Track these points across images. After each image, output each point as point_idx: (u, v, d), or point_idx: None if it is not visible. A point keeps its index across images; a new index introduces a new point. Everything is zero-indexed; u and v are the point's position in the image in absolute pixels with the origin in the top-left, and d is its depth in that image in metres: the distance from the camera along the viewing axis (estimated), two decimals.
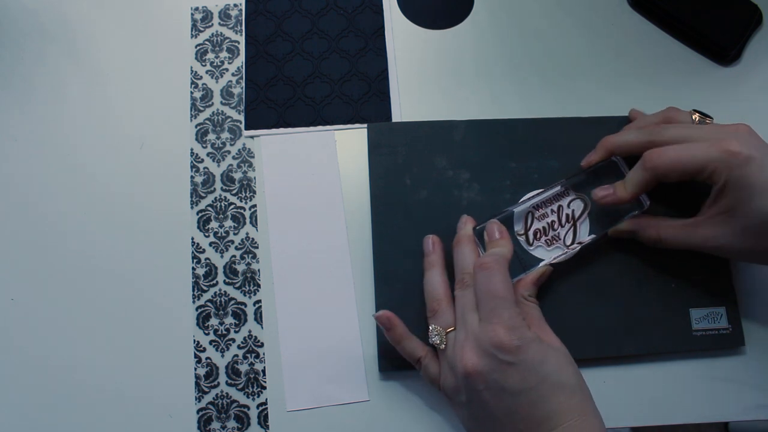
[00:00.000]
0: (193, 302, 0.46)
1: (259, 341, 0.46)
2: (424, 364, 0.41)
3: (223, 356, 0.45)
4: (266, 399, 0.44)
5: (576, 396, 0.36)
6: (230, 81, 0.52)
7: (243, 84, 0.51)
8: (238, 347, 0.46)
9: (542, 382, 0.36)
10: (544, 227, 0.45)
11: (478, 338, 0.37)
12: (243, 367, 0.45)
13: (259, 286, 0.47)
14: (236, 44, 0.53)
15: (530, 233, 0.45)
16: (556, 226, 0.45)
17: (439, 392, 0.42)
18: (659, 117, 0.45)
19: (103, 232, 0.48)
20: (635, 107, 0.49)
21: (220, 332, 0.46)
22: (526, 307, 0.41)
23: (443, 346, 0.40)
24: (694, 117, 0.43)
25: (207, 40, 0.53)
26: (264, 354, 0.45)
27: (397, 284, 0.45)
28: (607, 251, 0.46)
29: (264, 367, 0.45)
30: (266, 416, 0.44)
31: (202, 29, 0.53)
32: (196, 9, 0.54)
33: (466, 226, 0.43)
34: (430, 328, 0.41)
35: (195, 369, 0.45)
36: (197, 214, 0.48)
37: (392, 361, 0.44)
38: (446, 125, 0.49)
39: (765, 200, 0.37)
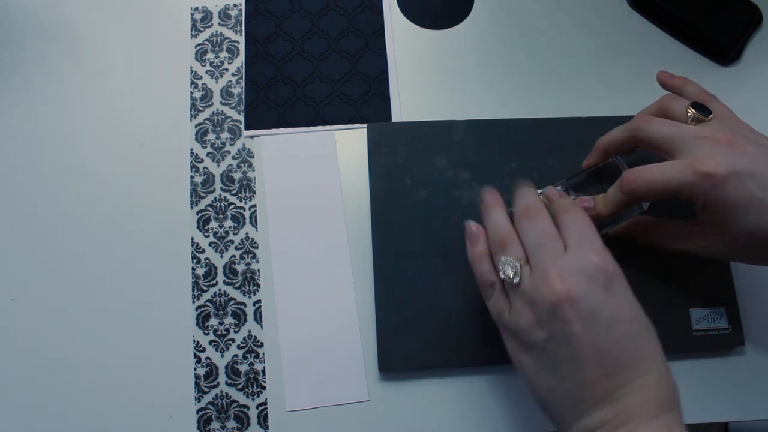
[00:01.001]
0: (193, 302, 0.46)
1: (259, 341, 0.46)
2: (494, 296, 0.38)
3: (222, 356, 0.45)
4: (266, 399, 0.44)
5: (658, 346, 0.34)
6: (230, 81, 0.52)
7: (243, 84, 0.51)
8: (238, 347, 0.46)
9: (635, 318, 0.34)
10: None
11: (568, 264, 0.34)
12: (243, 367, 0.45)
13: (259, 286, 0.47)
14: (236, 44, 0.53)
15: None
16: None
17: (499, 327, 0.38)
18: (655, 108, 0.43)
19: (102, 232, 0.48)
20: (635, 107, 0.49)
21: (219, 332, 0.46)
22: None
23: (518, 278, 0.36)
24: (688, 112, 0.40)
25: (207, 40, 0.53)
26: (264, 354, 0.45)
27: (397, 284, 0.45)
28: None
29: (264, 367, 0.45)
30: (266, 416, 0.44)
31: (202, 29, 0.53)
32: (196, 9, 0.54)
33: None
34: (502, 260, 0.37)
35: (195, 369, 0.45)
36: (197, 214, 0.48)
37: (392, 361, 0.44)
38: (446, 125, 0.49)
39: (747, 216, 0.36)
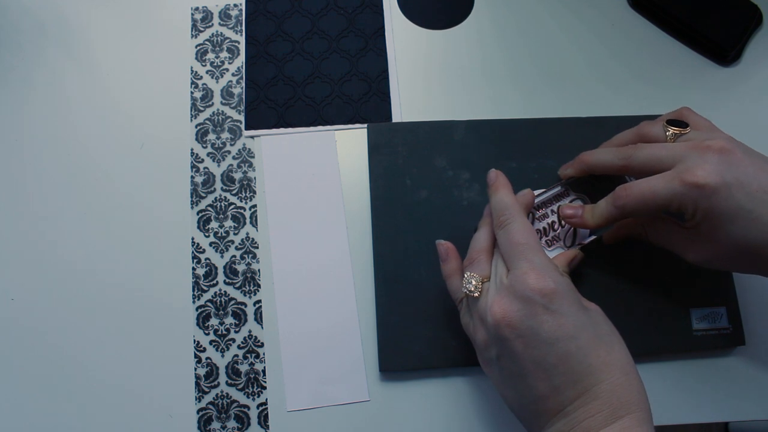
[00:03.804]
0: (193, 302, 0.46)
1: (259, 341, 0.46)
2: (461, 310, 0.40)
3: (223, 356, 0.45)
4: (266, 399, 0.44)
5: (615, 351, 0.34)
6: (230, 81, 0.52)
7: (243, 84, 0.51)
8: (238, 347, 0.46)
9: (581, 331, 0.34)
10: (544, 228, 0.45)
11: (508, 286, 0.35)
12: (243, 367, 0.45)
13: (259, 286, 0.47)
14: (236, 44, 0.53)
15: None
16: (556, 226, 0.45)
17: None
18: (633, 134, 0.43)
19: (103, 232, 0.48)
20: (635, 107, 0.49)
21: (220, 332, 0.46)
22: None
23: (476, 294, 0.37)
24: (667, 132, 0.40)
25: (207, 40, 0.53)
26: (264, 354, 0.45)
27: (398, 284, 0.45)
28: (607, 251, 0.46)
29: (264, 367, 0.45)
30: (266, 416, 0.44)
31: (202, 29, 0.53)
32: (196, 9, 0.54)
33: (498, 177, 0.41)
34: (466, 275, 0.38)
35: (195, 369, 0.45)
36: (197, 214, 0.48)
37: (392, 361, 0.44)
38: (446, 125, 0.49)
39: (735, 227, 0.36)
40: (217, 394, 0.45)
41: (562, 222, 0.45)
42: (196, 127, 0.50)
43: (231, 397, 0.45)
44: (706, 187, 0.35)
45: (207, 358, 0.45)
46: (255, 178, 0.49)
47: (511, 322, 0.34)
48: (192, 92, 0.51)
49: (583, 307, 0.35)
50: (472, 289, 0.38)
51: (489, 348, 0.36)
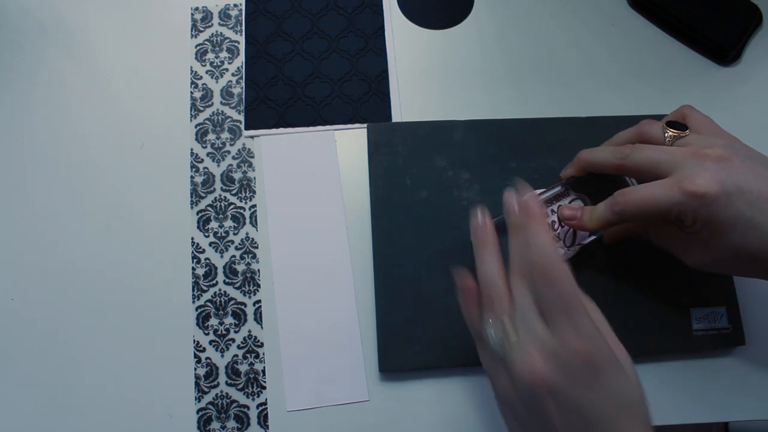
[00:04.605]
0: (193, 302, 0.46)
1: (259, 341, 0.46)
2: (480, 349, 0.37)
3: (222, 356, 0.45)
4: (266, 399, 0.44)
5: (640, 415, 0.32)
6: (230, 81, 0.52)
7: (243, 84, 0.51)
8: (238, 347, 0.46)
9: (622, 412, 0.32)
10: None
11: (552, 350, 0.32)
12: (243, 367, 0.45)
13: (259, 286, 0.47)
14: (236, 44, 0.53)
15: None
16: (556, 226, 0.45)
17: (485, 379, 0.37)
18: (633, 133, 0.43)
19: (102, 232, 0.48)
20: (635, 107, 0.49)
21: (219, 332, 0.46)
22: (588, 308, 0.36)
23: (499, 344, 0.34)
24: (666, 134, 0.40)
25: (207, 40, 0.53)
26: (264, 354, 0.45)
27: (398, 284, 0.45)
28: (607, 251, 0.46)
29: (264, 367, 0.45)
30: (266, 416, 0.44)
31: (202, 29, 0.53)
32: (196, 9, 0.54)
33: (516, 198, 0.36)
34: (488, 321, 0.35)
35: (195, 369, 0.45)
36: (197, 214, 0.48)
37: (392, 361, 0.44)
38: (446, 125, 0.49)
39: (735, 234, 0.36)
40: (216, 394, 0.45)
41: (562, 221, 0.45)
42: (195, 127, 0.50)
43: (231, 397, 0.44)
44: (706, 197, 0.35)
45: (207, 358, 0.45)
46: (255, 178, 0.49)
47: (551, 389, 0.32)
48: (192, 92, 0.51)
49: (624, 376, 0.33)
50: (498, 340, 0.34)
51: (514, 402, 0.34)
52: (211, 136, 0.50)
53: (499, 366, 0.35)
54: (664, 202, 0.36)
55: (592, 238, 0.45)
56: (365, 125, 0.50)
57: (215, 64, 0.52)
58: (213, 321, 0.46)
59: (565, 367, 0.32)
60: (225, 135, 0.50)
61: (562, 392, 0.32)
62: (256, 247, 0.48)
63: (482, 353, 0.37)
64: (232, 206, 0.49)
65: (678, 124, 0.41)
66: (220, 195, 0.49)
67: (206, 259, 0.47)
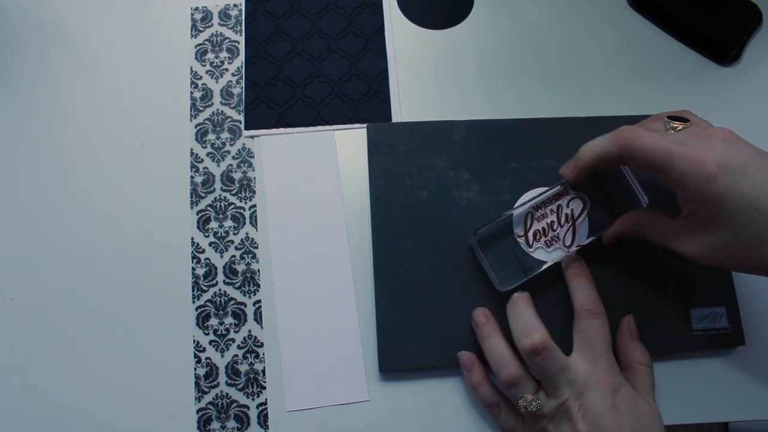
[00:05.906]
0: (193, 302, 0.46)
1: (259, 341, 0.46)
2: (502, 415, 0.42)
3: (222, 356, 0.45)
4: (266, 399, 0.44)
5: None
6: (230, 81, 0.52)
7: (243, 84, 0.51)
8: (238, 347, 0.46)
9: None
10: (543, 228, 0.45)
11: (590, 405, 0.39)
12: (243, 367, 0.45)
13: (259, 286, 0.47)
14: (236, 44, 0.53)
15: (530, 234, 0.45)
16: (555, 226, 0.45)
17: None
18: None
19: (102, 232, 0.48)
20: (635, 107, 0.49)
21: (219, 332, 0.46)
22: (638, 374, 0.42)
23: (540, 412, 0.40)
24: (668, 125, 0.40)
25: (207, 40, 0.53)
26: (264, 354, 0.45)
27: (397, 284, 0.45)
28: (607, 251, 0.46)
29: (264, 367, 0.45)
30: (266, 416, 0.44)
31: (202, 29, 0.53)
32: (196, 9, 0.54)
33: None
34: (520, 401, 0.40)
35: (195, 369, 0.45)
36: (197, 214, 0.48)
37: (392, 361, 0.44)
38: (446, 125, 0.49)
39: (735, 216, 0.35)
40: (216, 394, 0.45)
41: (561, 221, 0.45)
42: (195, 127, 0.50)
43: (231, 397, 0.45)
44: (709, 166, 0.35)
45: (207, 358, 0.45)
46: (255, 178, 0.49)
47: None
48: (192, 92, 0.51)
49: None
50: (536, 410, 0.40)
51: None
52: (211, 136, 0.50)
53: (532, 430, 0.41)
54: (671, 150, 0.36)
55: (592, 238, 0.45)
56: (365, 125, 0.50)
57: (215, 64, 0.52)
58: (213, 321, 0.46)
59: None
60: (225, 135, 0.50)
61: None
62: (256, 247, 0.48)
63: (504, 419, 0.42)
64: (232, 206, 0.49)
65: (679, 117, 0.40)
66: (220, 195, 0.49)
67: (206, 259, 0.47)
